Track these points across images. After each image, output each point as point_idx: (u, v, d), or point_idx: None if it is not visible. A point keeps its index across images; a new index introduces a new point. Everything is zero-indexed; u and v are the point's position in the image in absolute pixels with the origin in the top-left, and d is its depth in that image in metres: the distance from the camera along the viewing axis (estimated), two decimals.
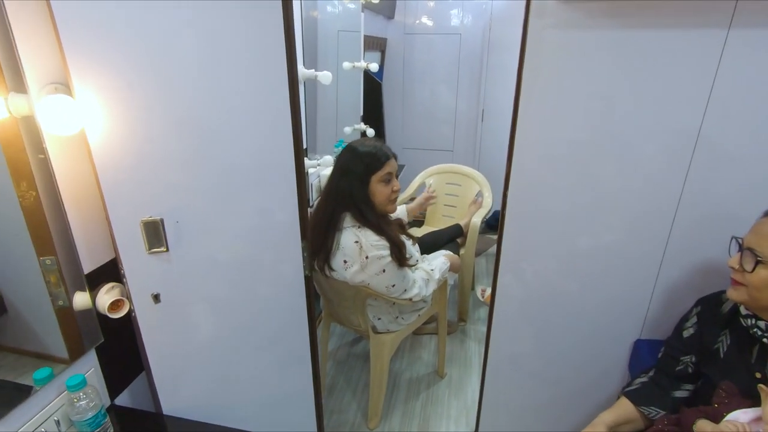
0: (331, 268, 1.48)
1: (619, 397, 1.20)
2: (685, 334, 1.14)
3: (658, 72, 1.15)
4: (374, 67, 2.71)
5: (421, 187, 2.78)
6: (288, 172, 1.10)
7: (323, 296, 1.86)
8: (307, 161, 1.93)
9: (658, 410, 1.10)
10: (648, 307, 1.36)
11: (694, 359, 1.11)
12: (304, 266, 1.21)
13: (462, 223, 2.33)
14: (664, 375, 1.16)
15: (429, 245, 2.03)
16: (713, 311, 1.10)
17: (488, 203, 2.47)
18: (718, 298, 1.11)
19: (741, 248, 0.97)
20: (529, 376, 1.56)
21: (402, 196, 2.75)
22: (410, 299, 1.54)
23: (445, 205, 2.77)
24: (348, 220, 1.45)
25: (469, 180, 2.70)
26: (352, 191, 1.45)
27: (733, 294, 0.99)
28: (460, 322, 2.45)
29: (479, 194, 2.56)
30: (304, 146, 2.04)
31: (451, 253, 1.92)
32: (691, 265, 1.28)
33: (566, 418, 1.47)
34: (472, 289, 2.63)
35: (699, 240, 1.24)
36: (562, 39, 1.16)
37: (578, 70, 1.18)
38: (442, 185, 2.78)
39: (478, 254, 2.88)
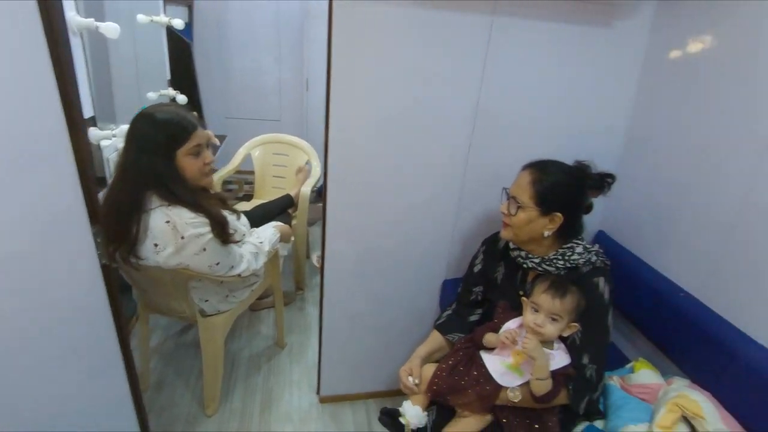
0: (138, 257, 1.30)
1: (432, 331, 1.40)
2: (475, 269, 1.39)
3: (450, 52, 1.31)
4: (178, 23, 2.39)
5: (247, 158, 2.65)
6: (60, 145, 0.90)
7: (135, 287, 1.64)
8: (96, 132, 1.63)
9: (459, 334, 1.33)
10: (449, 251, 1.60)
11: (482, 289, 1.38)
12: (99, 255, 1.04)
13: (292, 193, 2.32)
14: (462, 305, 1.40)
15: (259, 218, 1.96)
16: (493, 248, 1.36)
17: (317, 172, 2.51)
18: (495, 237, 1.37)
19: (508, 197, 1.22)
20: (362, 329, 1.69)
21: (227, 169, 2.57)
22: (239, 275, 1.48)
23: (273, 176, 2.70)
24: (155, 200, 1.29)
25: (296, 150, 2.68)
26: (155, 169, 1.27)
27: (504, 233, 1.24)
28: (298, 291, 2.49)
29: (308, 164, 2.58)
30: (91, 114, 1.70)
31: (281, 223, 1.90)
32: (478, 214, 1.55)
33: (396, 358, 1.65)
34: (308, 257, 2.68)
35: (482, 194, 1.51)
36: (369, 13, 1.22)
37: (387, 44, 1.27)
38: (269, 156, 2.70)
39: (311, 223, 2.92)
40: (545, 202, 1.14)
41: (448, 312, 1.42)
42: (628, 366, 1.34)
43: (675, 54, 1.33)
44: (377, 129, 1.36)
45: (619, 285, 1.46)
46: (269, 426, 1.69)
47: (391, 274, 1.61)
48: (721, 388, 1.12)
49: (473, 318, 1.37)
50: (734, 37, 1.16)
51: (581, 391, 1.09)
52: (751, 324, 1.09)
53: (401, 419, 1.15)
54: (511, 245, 1.28)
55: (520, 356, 1.08)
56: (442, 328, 1.37)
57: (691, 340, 1.21)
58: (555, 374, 1.06)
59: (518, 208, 1.17)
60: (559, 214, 1.14)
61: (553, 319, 1.07)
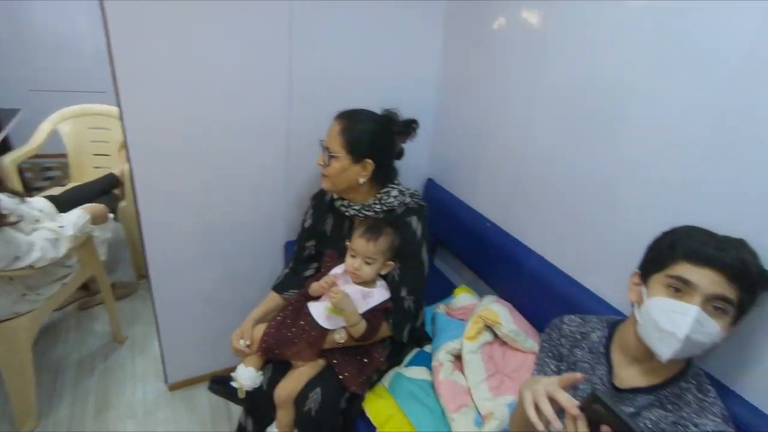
0: None
1: (269, 293, 1.38)
2: (306, 225, 1.38)
3: (252, 18, 1.25)
4: None
5: (52, 135, 2.23)
6: None
7: None
8: None
9: (295, 291, 1.33)
10: (286, 213, 1.58)
11: (314, 243, 1.39)
12: None
13: (116, 171, 2.04)
14: (298, 262, 1.40)
15: (72, 202, 1.68)
16: (321, 202, 1.37)
17: None
18: (322, 191, 1.38)
19: (323, 148, 1.22)
20: (206, 306, 1.59)
21: (23, 150, 2.14)
22: (31, 266, 1.25)
23: (93, 155, 2.33)
24: None
25: (118, 122, 2.34)
26: None
27: (324, 184, 1.25)
28: (141, 279, 2.24)
29: None
30: None
31: (93, 204, 1.66)
32: (308, 173, 1.53)
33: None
34: None
35: (308, 154, 1.49)
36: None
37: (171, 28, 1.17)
38: (84, 132, 2.31)
39: None
40: (355, 150, 1.17)
41: (286, 271, 1.40)
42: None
43: (470, 13, 1.44)
44: (191, 109, 1.28)
45: (446, 224, 1.61)
46: (107, 426, 1.52)
47: (231, 246, 1.53)
48: (516, 296, 1.32)
49: (308, 273, 1.38)
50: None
51: (402, 321, 1.18)
52: (531, 239, 1.30)
53: (233, 383, 1.12)
54: (335, 196, 1.30)
55: None
56: (278, 288, 1.35)
57: (495, 261, 1.40)
58: (375, 310, 1.12)
59: (331, 157, 1.18)
60: (369, 161, 1.18)
61: (368, 262, 1.12)
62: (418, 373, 1.23)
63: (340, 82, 1.44)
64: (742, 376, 0.84)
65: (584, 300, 1.11)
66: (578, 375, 0.65)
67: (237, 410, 1.42)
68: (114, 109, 2.33)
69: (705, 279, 0.70)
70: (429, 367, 1.24)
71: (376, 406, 1.12)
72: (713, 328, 0.69)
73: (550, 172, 1.21)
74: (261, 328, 1.18)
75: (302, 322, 1.13)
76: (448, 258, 1.77)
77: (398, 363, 1.29)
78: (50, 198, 1.60)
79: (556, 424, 0.61)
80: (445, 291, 1.55)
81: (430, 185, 1.74)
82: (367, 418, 1.11)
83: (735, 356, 0.84)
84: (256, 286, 1.63)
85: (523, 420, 0.69)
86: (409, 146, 1.40)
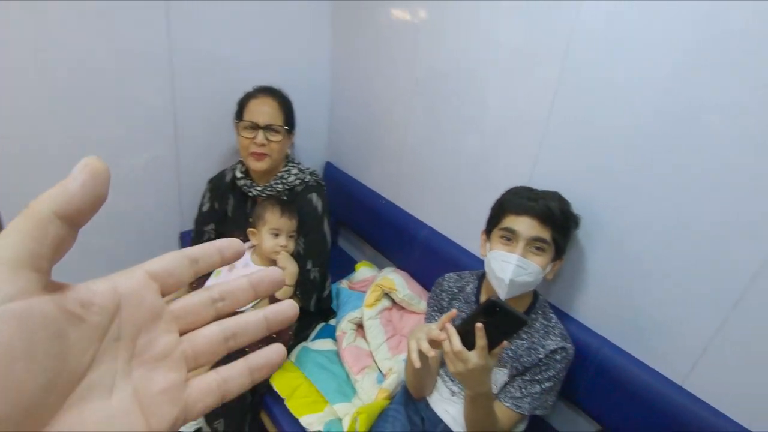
0: None
1: None
2: (204, 209, 1.36)
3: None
4: None
5: None
6: None
7: None
8: None
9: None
10: (180, 202, 1.52)
11: (213, 227, 1.36)
12: None
13: None
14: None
15: None
16: (219, 184, 1.35)
17: None
18: (221, 174, 1.36)
19: (256, 127, 1.18)
20: None
21: None
22: None
23: None
24: None
25: None
26: None
27: (261, 165, 1.20)
28: None
29: None
30: None
31: None
32: (200, 158, 1.49)
33: None
34: None
35: (199, 140, 1.45)
36: None
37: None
38: None
39: None
40: (289, 123, 1.23)
41: None
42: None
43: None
44: (55, 102, 1.16)
45: (346, 204, 1.68)
46: None
47: (119, 242, 1.43)
48: (412, 265, 1.44)
49: None
50: None
51: (309, 291, 1.23)
52: (421, 212, 1.43)
53: None
54: (238, 176, 1.28)
55: None
56: None
57: (391, 235, 1.50)
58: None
59: (274, 133, 1.20)
60: (293, 133, 1.25)
61: (291, 236, 1.17)
62: (323, 345, 1.30)
63: (227, 63, 1.41)
64: (575, 303, 1.05)
65: (467, 261, 1.26)
66: (453, 311, 0.76)
67: None
68: None
69: (523, 225, 0.87)
70: (334, 338, 1.31)
71: (283, 379, 1.16)
72: (534, 268, 0.86)
73: (430, 151, 1.34)
74: None
75: None
76: (351, 237, 1.85)
77: (305, 338, 1.34)
78: None
79: (430, 353, 0.72)
80: (349, 268, 1.62)
81: (329, 168, 1.80)
82: (275, 392, 1.15)
83: (569, 289, 1.05)
84: None
85: (411, 365, 0.79)
86: (308, 131, 1.44)
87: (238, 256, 0.24)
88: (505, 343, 0.71)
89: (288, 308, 0.25)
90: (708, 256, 0.82)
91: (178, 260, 0.22)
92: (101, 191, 0.18)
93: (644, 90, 0.85)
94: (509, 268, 0.86)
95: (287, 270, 1.14)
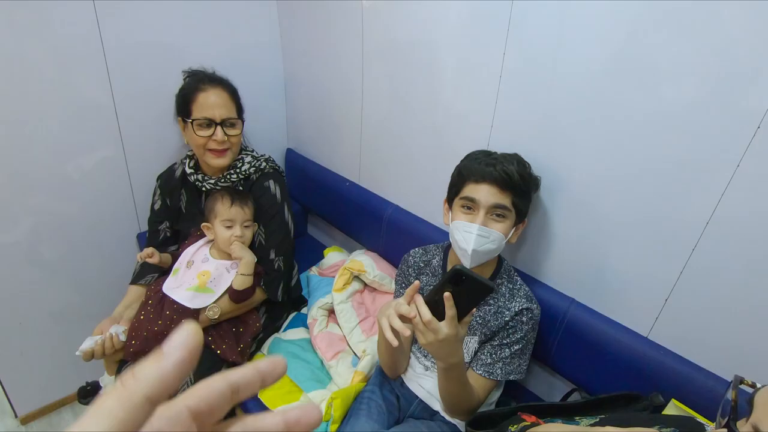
0: None
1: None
2: (156, 207, 1.29)
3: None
4: None
5: None
6: None
7: None
8: None
9: (154, 275, 1.24)
10: (133, 203, 1.45)
11: (168, 224, 1.30)
12: None
13: None
14: (155, 248, 1.30)
15: None
16: (169, 180, 1.28)
17: None
18: (170, 170, 1.30)
19: (213, 124, 1.11)
20: (52, 320, 1.40)
21: None
22: None
23: None
24: None
25: None
26: None
27: (221, 161, 1.15)
28: None
29: None
30: None
31: None
32: (148, 159, 1.41)
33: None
34: None
35: (147, 137, 1.37)
36: None
37: None
38: None
39: None
40: (240, 111, 1.18)
41: (141, 262, 1.30)
42: None
43: None
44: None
45: (311, 190, 1.64)
46: None
47: (72, 249, 1.36)
48: (381, 245, 1.41)
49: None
50: None
51: (273, 281, 1.19)
52: (385, 191, 1.40)
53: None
54: (189, 171, 1.22)
55: (206, 275, 1.09)
56: (136, 279, 1.25)
57: (358, 217, 1.47)
58: None
59: (232, 126, 1.14)
60: (243, 119, 1.19)
61: (246, 226, 1.12)
62: (295, 334, 1.27)
63: (169, 55, 1.33)
64: (542, 267, 1.05)
65: (434, 235, 1.24)
66: (416, 282, 0.73)
67: None
68: None
69: (483, 192, 0.85)
70: (307, 326, 1.28)
71: None
72: (496, 235, 0.85)
73: (388, 127, 1.30)
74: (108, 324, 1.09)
75: (168, 312, 1.07)
76: (319, 223, 1.81)
77: (277, 330, 1.31)
78: None
79: (406, 332, 0.70)
80: (320, 255, 1.59)
81: (291, 155, 1.75)
82: None
83: (534, 252, 1.05)
84: (113, 287, 1.47)
85: (384, 343, 0.77)
86: (265, 118, 1.37)
87: (279, 379, 0.22)
88: (474, 310, 0.69)
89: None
90: (663, 207, 0.82)
91: (221, 393, 0.20)
92: (193, 367, 0.19)
93: (594, 45, 0.83)
94: (471, 238, 0.84)
95: (243, 260, 1.09)
